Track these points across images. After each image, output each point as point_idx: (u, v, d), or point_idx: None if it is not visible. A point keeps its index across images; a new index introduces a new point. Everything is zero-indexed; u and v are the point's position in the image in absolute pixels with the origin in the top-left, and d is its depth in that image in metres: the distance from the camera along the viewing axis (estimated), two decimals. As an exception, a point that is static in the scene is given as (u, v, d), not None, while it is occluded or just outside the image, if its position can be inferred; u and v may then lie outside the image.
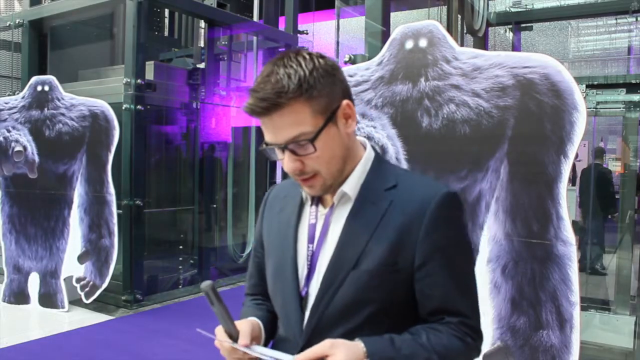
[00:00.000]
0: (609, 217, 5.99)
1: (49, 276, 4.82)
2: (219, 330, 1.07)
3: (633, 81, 3.95)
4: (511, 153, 2.42)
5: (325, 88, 1.02)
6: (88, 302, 4.62)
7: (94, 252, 4.64)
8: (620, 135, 5.37)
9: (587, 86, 3.92)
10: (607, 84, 3.98)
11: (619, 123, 4.96)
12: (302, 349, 1.03)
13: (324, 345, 0.97)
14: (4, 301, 4.95)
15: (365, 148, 1.14)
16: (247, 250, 6.49)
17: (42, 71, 5.87)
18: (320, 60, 1.03)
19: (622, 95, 3.98)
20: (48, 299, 4.80)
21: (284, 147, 1.02)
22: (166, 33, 7.66)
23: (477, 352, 1.10)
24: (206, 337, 1.10)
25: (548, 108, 2.30)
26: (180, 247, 6.14)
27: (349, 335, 1.03)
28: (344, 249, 1.08)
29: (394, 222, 1.06)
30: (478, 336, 1.09)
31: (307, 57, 1.02)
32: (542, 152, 2.33)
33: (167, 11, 7.53)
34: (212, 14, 5.91)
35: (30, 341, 3.93)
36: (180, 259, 6.08)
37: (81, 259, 4.70)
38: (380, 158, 1.16)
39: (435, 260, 1.05)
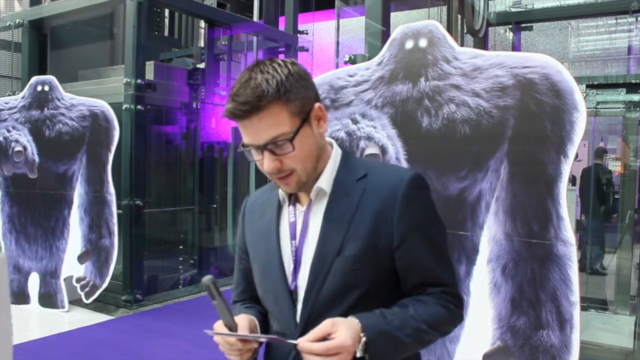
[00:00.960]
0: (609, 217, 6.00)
1: (49, 276, 4.82)
2: (219, 325, 1.11)
3: (633, 81, 3.95)
4: (511, 153, 2.42)
5: (300, 91, 1.09)
6: (88, 302, 4.62)
7: (94, 252, 4.64)
8: (620, 135, 5.37)
9: (587, 86, 3.93)
10: (607, 84, 3.98)
11: (619, 123, 4.96)
12: None
13: (326, 325, 1.03)
14: (4, 301, 4.95)
15: (332, 147, 1.22)
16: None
17: (42, 71, 5.87)
18: (294, 66, 1.11)
19: (622, 95, 3.98)
20: (48, 299, 4.80)
21: (263, 148, 1.08)
22: (166, 33, 7.66)
23: (460, 318, 1.19)
24: (207, 337, 1.12)
25: (548, 108, 2.30)
26: (180, 247, 6.14)
27: None
28: (326, 239, 1.14)
29: (369, 208, 1.14)
30: (459, 302, 1.18)
31: (282, 63, 1.10)
32: (542, 152, 2.32)
33: (167, 11, 7.53)
34: (212, 14, 5.91)
35: (30, 341, 3.94)
36: (180, 259, 6.08)
37: (81, 259, 4.70)
38: (347, 153, 1.23)
39: (412, 238, 1.13)
